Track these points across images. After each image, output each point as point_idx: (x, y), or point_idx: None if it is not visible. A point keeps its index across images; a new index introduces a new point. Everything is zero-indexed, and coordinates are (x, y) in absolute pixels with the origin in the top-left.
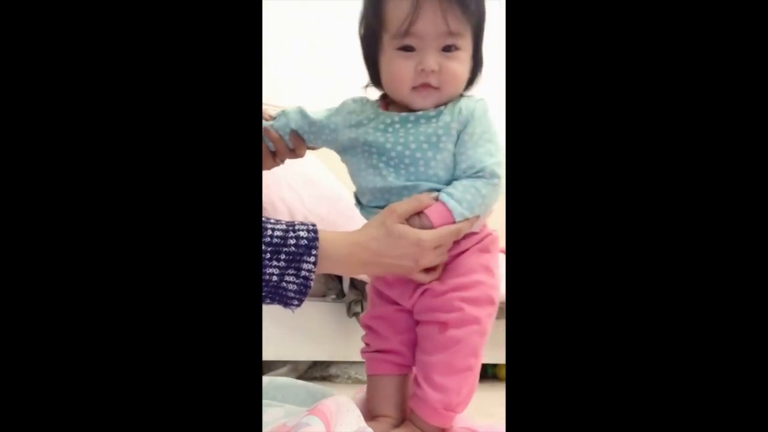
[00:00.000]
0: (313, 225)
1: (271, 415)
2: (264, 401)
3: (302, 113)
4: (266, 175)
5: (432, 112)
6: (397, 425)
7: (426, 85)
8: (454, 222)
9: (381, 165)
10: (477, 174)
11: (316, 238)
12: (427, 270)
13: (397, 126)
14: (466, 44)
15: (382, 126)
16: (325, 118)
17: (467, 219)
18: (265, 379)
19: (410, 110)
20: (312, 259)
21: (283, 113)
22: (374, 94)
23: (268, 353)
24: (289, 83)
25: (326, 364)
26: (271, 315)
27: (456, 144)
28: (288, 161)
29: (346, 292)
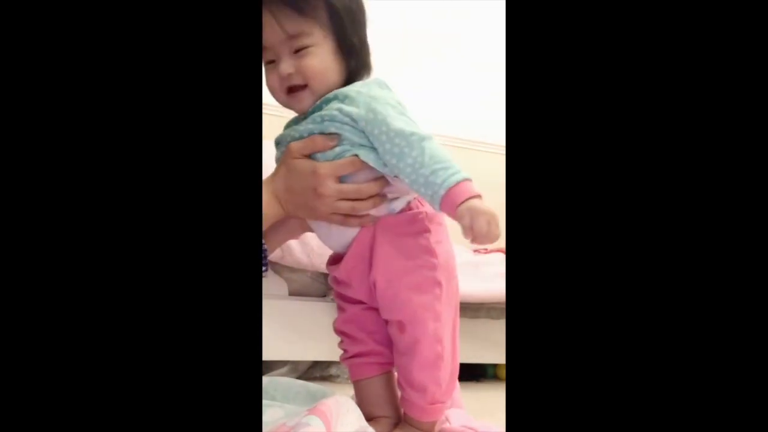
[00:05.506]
0: None
1: (271, 415)
2: (264, 401)
3: None
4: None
5: (320, 101)
6: (397, 423)
7: (292, 89)
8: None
9: None
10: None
11: None
12: (347, 217)
13: (301, 118)
14: (316, 40)
15: (294, 123)
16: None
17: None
18: (265, 379)
19: None
20: None
21: None
22: None
23: (268, 353)
24: None
25: (326, 364)
26: (272, 315)
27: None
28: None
29: None
